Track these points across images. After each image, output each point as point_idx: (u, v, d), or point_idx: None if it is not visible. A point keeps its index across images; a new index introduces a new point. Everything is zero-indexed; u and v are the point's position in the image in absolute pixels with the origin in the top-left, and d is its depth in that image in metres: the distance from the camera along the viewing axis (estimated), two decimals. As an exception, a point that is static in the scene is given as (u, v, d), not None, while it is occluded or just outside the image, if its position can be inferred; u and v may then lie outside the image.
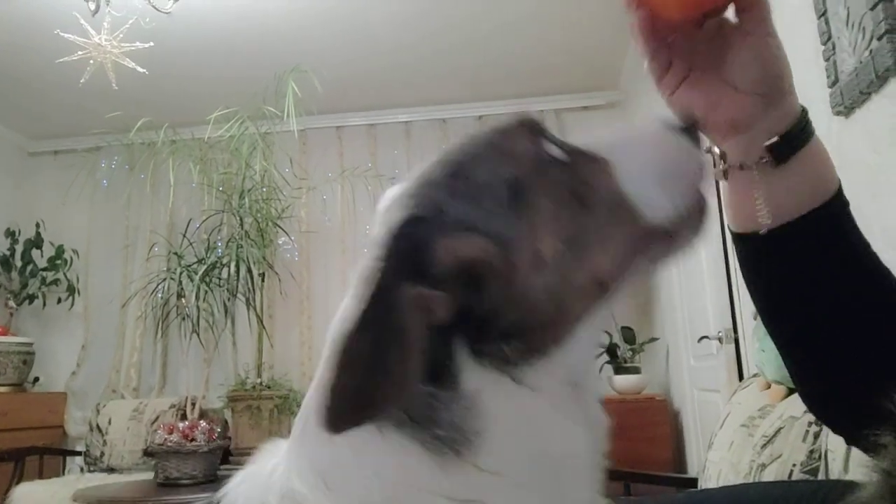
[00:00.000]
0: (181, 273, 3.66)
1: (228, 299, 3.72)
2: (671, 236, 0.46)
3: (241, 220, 3.80)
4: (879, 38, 1.31)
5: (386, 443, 0.38)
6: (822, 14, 1.55)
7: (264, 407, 3.77)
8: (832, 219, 0.56)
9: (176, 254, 3.84)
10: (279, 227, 4.04)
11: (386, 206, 0.47)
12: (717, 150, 0.58)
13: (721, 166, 0.57)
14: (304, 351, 4.31)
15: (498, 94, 4.38)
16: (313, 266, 4.44)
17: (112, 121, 3.69)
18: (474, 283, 0.39)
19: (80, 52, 2.92)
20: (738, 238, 0.60)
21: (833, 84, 1.54)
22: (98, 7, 2.74)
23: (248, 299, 3.80)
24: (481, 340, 0.39)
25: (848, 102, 1.48)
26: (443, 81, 4.23)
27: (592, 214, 0.42)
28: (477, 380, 0.39)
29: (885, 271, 0.57)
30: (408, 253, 0.39)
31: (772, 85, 0.54)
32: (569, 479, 0.40)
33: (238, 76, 3.86)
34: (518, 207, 0.41)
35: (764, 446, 1.55)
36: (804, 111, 0.57)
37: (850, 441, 0.60)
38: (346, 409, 0.35)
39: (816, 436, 1.41)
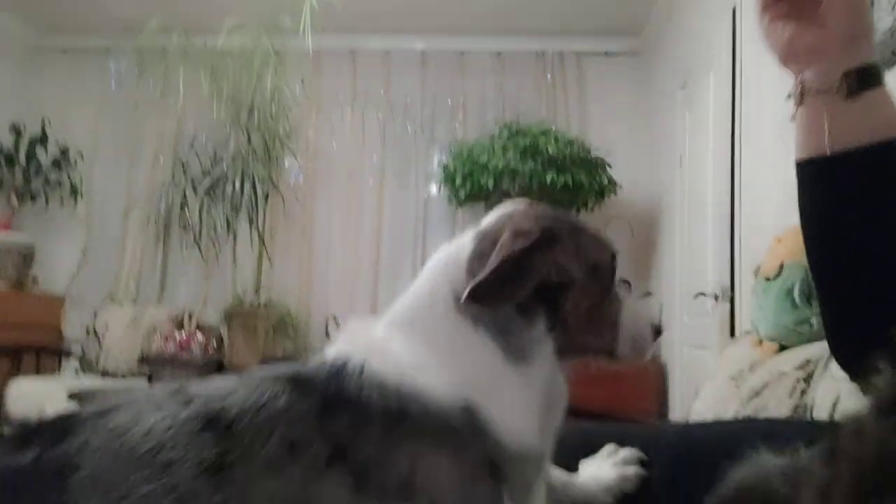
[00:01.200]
0: (186, 184, 3.65)
1: (231, 215, 3.72)
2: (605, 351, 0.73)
3: (248, 135, 3.76)
4: (923, -4, 1.27)
5: (477, 338, 0.63)
6: (867, -33, 1.49)
7: (260, 326, 3.82)
8: (890, 158, 0.64)
9: (182, 163, 3.82)
10: (286, 146, 4.00)
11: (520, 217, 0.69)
12: (799, 77, 0.68)
13: (799, 90, 0.68)
14: (302, 275, 4.34)
15: (518, 29, 4.27)
16: (318, 191, 4.42)
17: (123, 19, 3.59)
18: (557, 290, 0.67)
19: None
20: (803, 165, 0.69)
21: (868, 42, 1.49)
22: None
23: (251, 217, 3.80)
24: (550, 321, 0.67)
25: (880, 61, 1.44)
26: (463, 10, 4.11)
27: (603, 313, 0.71)
28: (541, 331, 0.66)
29: None
30: (547, 241, 0.65)
31: (851, 26, 0.65)
32: (553, 413, 0.67)
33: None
34: (592, 273, 0.69)
35: (750, 399, 1.57)
36: (877, 63, 0.66)
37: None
38: (488, 292, 0.61)
39: (804, 392, 1.44)
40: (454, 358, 0.61)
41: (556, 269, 0.65)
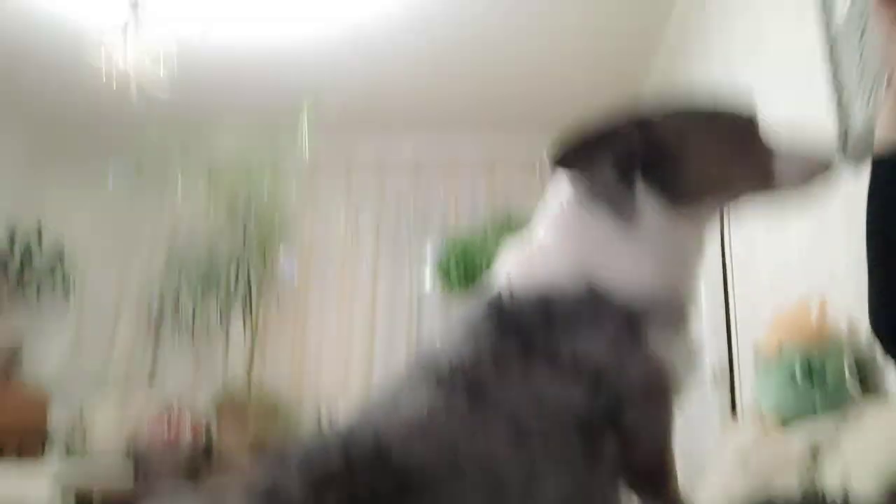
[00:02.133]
0: (180, 280, 3.66)
1: (225, 309, 3.72)
2: (777, 194, 0.75)
3: (244, 238, 3.82)
4: None
5: (592, 218, 0.73)
6: None
7: (251, 416, 3.74)
8: None
9: (176, 259, 3.84)
10: (281, 245, 4.06)
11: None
12: None
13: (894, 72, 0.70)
14: (294, 366, 4.29)
15: (513, 129, 4.40)
16: (312, 284, 4.44)
17: (122, 132, 3.70)
18: (667, 157, 0.73)
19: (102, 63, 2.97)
20: (881, 162, 0.70)
21: None
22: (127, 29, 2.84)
23: (244, 311, 3.80)
24: (661, 183, 0.72)
25: None
26: (454, 116, 4.31)
27: (746, 160, 0.74)
28: (645, 196, 0.72)
29: None
30: (637, 124, 0.75)
31: None
32: (685, 276, 0.75)
33: (251, 102, 3.89)
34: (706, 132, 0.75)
35: (758, 485, 1.55)
36: None
37: None
38: (576, 156, 0.73)
39: (812, 477, 1.42)
40: (574, 244, 0.73)
41: (642, 145, 0.72)
